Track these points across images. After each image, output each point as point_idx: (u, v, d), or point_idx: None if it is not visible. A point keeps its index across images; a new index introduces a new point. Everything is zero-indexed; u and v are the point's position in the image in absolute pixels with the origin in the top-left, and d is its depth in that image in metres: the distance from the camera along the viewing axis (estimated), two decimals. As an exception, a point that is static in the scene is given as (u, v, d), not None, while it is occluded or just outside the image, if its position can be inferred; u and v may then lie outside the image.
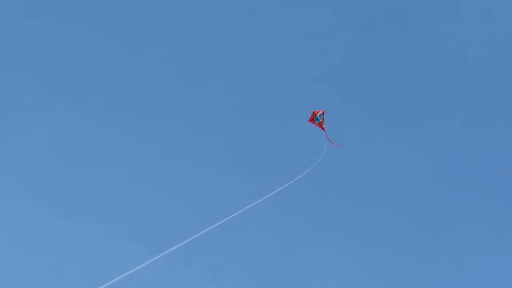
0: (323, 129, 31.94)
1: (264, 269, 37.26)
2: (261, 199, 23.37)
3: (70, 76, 45.88)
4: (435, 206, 41.31)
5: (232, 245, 37.22)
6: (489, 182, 42.57)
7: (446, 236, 40.09)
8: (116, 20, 47.30)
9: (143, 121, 43.95)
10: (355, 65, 47.30)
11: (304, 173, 28.25)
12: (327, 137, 31.72)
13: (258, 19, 47.43)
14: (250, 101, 45.69)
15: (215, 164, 42.08)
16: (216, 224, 20.79)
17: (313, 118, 32.08)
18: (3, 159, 41.16)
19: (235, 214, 21.49)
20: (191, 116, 44.49)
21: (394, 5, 47.65)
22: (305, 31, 47.44)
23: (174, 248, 20.66)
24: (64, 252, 37.01)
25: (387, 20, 47.66)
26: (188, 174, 41.80)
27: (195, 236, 20.93)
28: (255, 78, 46.25)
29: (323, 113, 31.96)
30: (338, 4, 47.80)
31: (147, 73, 45.89)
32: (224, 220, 21.03)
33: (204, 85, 45.58)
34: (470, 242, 39.84)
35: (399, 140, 45.14)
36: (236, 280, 36.67)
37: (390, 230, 40.17)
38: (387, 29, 47.64)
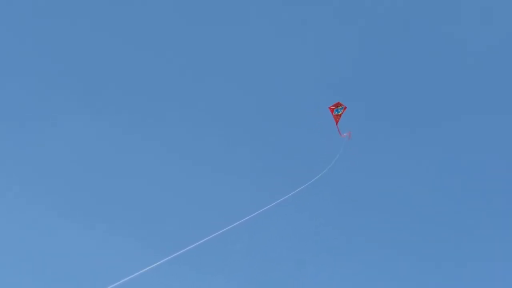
0: (336, 122, 32.09)
1: (272, 273, 37.30)
2: (275, 202, 23.34)
3: (69, 76, 45.95)
4: (445, 209, 41.35)
5: (236, 249, 37.19)
6: (491, 182, 42.75)
7: (456, 238, 40.18)
8: (122, 23, 47.46)
9: (153, 125, 44.04)
10: (355, 65, 47.43)
11: (316, 177, 28.22)
12: (338, 130, 31.88)
13: (262, 20, 47.54)
14: (257, 104, 45.83)
15: (221, 168, 42.17)
16: (225, 229, 20.72)
17: (334, 108, 32.21)
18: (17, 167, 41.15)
19: (246, 218, 21.42)
20: (200, 119, 44.66)
21: (394, 4, 47.73)
22: (307, 32, 47.57)
23: (185, 249, 20.60)
24: (73, 256, 37.09)
25: (387, 20, 47.75)
26: (200, 178, 41.87)
27: (204, 240, 20.84)
28: (260, 80, 46.40)
29: (344, 108, 32.10)
30: (338, 4, 47.86)
31: (155, 77, 46.08)
32: (233, 225, 20.96)
33: (210, 88, 45.74)
34: (480, 245, 39.96)
35: (399, 141, 45.22)
36: (244, 282, 36.74)
37: (400, 232, 40.24)
38: (387, 29, 47.73)
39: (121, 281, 19.30)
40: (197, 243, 19.64)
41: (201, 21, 47.44)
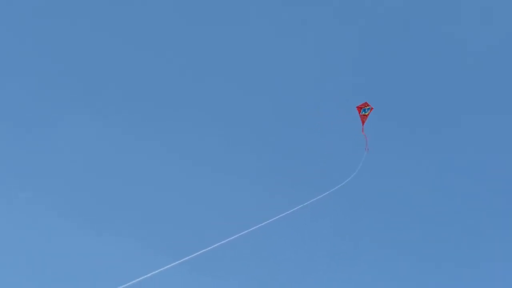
0: (363, 123, 32.10)
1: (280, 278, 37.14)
2: (294, 209, 23.18)
3: (69, 76, 45.73)
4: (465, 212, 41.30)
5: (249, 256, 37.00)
6: (492, 182, 42.82)
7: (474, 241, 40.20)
8: (122, 24, 47.29)
9: (157, 126, 43.84)
10: (355, 66, 47.40)
11: (334, 189, 28.08)
12: (366, 140, 31.91)
13: (262, 20, 47.44)
14: (257, 104, 45.68)
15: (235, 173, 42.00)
16: (239, 234, 20.60)
17: (361, 108, 32.26)
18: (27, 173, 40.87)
19: (259, 226, 21.29)
20: (202, 121, 44.51)
21: (394, 4, 47.74)
22: (307, 32, 47.51)
23: (195, 254, 20.48)
24: (74, 258, 36.92)
25: (387, 20, 47.73)
26: (201, 179, 41.67)
27: (217, 244, 20.73)
28: (260, 80, 46.32)
29: (371, 109, 32.13)
30: (338, 4, 47.84)
31: (156, 77, 45.88)
32: (246, 231, 20.83)
33: (211, 89, 45.60)
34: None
35: (399, 141, 45.19)
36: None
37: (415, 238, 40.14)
38: (387, 29, 47.72)
39: (128, 283, 19.19)
40: (210, 247, 19.52)
41: (201, 21, 47.36)
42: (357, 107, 32.69)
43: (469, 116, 45.59)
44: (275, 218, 22.20)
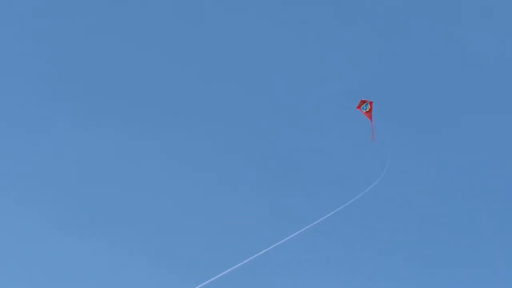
0: (370, 118, 32.22)
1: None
2: (316, 222, 23.04)
3: (66, 81, 45.57)
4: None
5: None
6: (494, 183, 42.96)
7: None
8: (121, 26, 47.12)
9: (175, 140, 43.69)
10: (355, 66, 47.40)
11: (361, 194, 28.01)
12: (372, 130, 31.99)
13: (262, 20, 47.36)
14: (257, 105, 45.59)
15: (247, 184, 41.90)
16: (260, 253, 20.46)
17: (361, 106, 32.39)
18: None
19: (281, 241, 21.21)
20: (202, 123, 44.41)
21: (394, 4, 47.75)
22: (307, 32, 47.48)
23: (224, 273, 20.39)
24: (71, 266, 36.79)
25: (387, 20, 47.74)
26: (216, 188, 41.55)
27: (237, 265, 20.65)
28: (260, 80, 46.31)
29: (370, 104, 32.25)
30: (338, 4, 47.80)
31: (156, 79, 45.76)
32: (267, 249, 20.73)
33: (212, 90, 45.51)
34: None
35: (400, 142, 45.24)
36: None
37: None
38: (387, 29, 47.73)
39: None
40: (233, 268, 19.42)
41: (201, 21, 47.24)
42: (357, 107, 32.91)
43: (469, 116, 45.73)
44: (286, 239, 22.15)
